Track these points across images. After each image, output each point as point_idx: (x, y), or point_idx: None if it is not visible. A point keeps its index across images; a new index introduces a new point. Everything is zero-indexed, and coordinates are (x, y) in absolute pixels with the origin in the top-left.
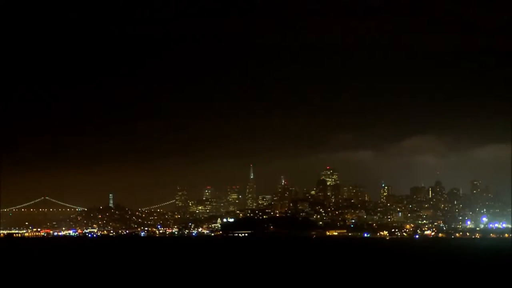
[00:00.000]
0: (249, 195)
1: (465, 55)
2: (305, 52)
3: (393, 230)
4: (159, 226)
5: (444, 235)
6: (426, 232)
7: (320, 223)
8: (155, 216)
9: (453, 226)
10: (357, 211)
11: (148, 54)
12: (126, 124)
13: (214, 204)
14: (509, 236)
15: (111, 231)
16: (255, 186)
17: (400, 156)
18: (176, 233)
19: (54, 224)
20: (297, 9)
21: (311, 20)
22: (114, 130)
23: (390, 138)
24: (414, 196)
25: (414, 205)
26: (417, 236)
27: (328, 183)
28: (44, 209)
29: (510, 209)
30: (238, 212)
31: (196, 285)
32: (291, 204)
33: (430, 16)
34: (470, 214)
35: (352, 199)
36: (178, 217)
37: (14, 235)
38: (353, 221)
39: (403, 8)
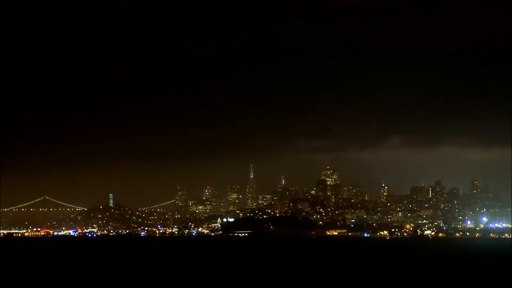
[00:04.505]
0: (249, 195)
1: (466, 54)
2: (304, 52)
3: (393, 230)
4: (159, 226)
5: (444, 235)
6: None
7: (320, 223)
8: (155, 216)
9: (453, 226)
10: (357, 211)
11: (148, 54)
12: (126, 124)
13: (214, 204)
14: (509, 236)
15: (111, 231)
16: (255, 186)
17: (400, 156)
18: (176, 233)
19: (54, 224)
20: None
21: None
22: (114, 130)
23: (390, 138)
24: (414, 196)
25: (414, 205)
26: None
27: (328, 183)
28: (44, 209)
29: (510, 209)
30: (238, 212)
31: (196, 285)
32: (291, 204)
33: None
34: (470, 214)
35: (352, 199)
36: (178, 217)
37: (14, 234)
38: (353, 221)
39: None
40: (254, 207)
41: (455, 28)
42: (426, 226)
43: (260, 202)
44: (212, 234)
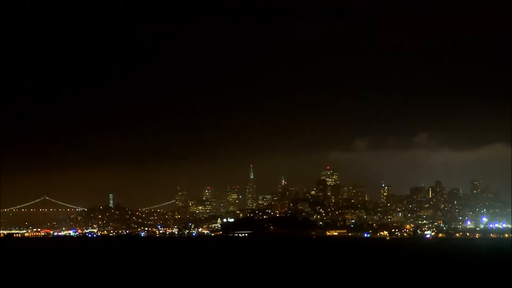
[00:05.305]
0: (249, 195)
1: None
2: (304, 53)
3: (393, 230)
4: (159, 226)
5: (444, 235)
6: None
7: (320, 223)
8: (155, 216)
9: (453, 226)
10: (357, 211)
11: (148, 54)
12: (126, 125)
13: (214, 204)
14: (509, 236)
15: (111, 231)
16: (255, 186)
17: (400, 156)
18: (176, 233)
19: (54, 224)
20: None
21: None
22: (114, 130)
23: (390, 138)
24: (414, 196)
25: (414, 205)
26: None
27: (328, 183)
28: (44, 209)
29: (510, 209)
30: (238, 212)
31: (196, 285)
32: (291, 204)
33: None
34: (470, 214)
35: (352, 199)
36: (178, 217)
37: (14, 235)
38: (353, 221)
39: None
40: (254, 207)
41: (455, 28)
42: (426, 226)
43: (260, 202)
44: (212, 234)
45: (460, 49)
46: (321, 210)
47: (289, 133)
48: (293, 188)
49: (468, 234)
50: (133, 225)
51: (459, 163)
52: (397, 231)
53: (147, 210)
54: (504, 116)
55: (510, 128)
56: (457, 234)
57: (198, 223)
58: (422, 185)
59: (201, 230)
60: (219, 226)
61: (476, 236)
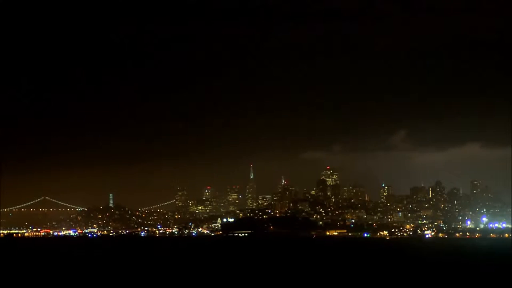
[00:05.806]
0: (249, 195)
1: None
2: (303, 53)
3: (393, 230)
4: (159, 226)
5: (444, 235)
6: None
7: (320, 223)
8: (155, 216)
9: (453, 226)
10: (357, 211)
11: (147, 54)
12: (126, 125)
13: (214, 204)
14: (509, 236)
15: (111, 231)
16: (255, 186)
17: (400, 156)
18: (176, 233)
19: (54, 224)
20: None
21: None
22: (114, 130)
23: (390, 138)
24: (414, 196)
25: (414, 205)
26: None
27: (328, 183)
28: (44, 209)
29: (510, 209)
30: (238, 212)
31: (196, 285)
32: (291, 204)
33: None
34: (470, 214)
35: (352, 199)
36: (178, 217)
37: (14, 235)
38: (353, 221)
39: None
40: (254, 207)
41: (455, 28)
42: (426, 226)
43: (260, 202)
44: (212, 234)
45: (460, 49)
46: (321, 210)
47: (289, 133)
48: (293, 188)
49: (468, 234)
50: (133, 225)
51: (459, 163)
52: (397, 231)
53: (147, 210)
54: (504, 116)
55: (510, 128)
56: (457, 234)
57: (198, 223)
58: (422, 185)
59: (201, 230)
60: (219, 226)
61: (476, 236)
